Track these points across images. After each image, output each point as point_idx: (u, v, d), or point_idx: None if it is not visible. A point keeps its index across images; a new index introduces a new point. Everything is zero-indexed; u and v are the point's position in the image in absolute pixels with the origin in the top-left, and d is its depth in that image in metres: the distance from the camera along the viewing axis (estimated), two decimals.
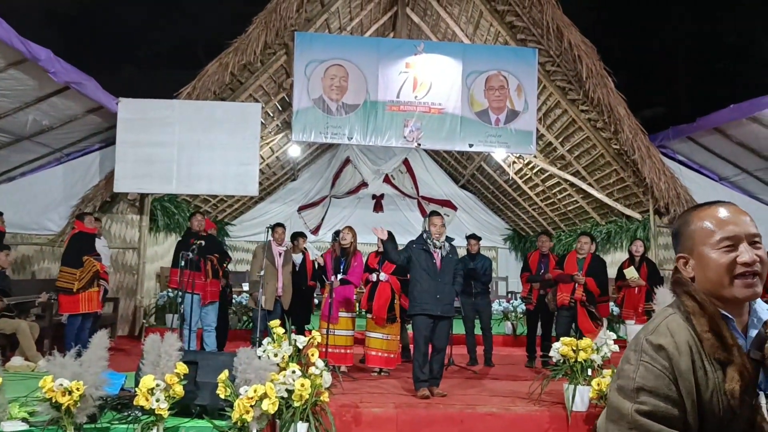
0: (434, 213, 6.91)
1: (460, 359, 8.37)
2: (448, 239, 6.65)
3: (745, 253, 1.54)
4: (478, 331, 8.72)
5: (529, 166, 13.80)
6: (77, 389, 4.33)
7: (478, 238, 9.08)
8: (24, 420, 4.60)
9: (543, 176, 13.81)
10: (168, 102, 9.86)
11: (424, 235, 6.63)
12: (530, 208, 15.72)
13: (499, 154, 13.07)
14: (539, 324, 8.87)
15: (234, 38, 10.21)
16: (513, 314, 11.49)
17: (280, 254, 7.99)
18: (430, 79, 10.37)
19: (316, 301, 11.83)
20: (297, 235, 9.01)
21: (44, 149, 9.80)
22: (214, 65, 10.07)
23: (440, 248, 6.52)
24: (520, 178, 14.55)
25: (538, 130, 11.23)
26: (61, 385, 4.32)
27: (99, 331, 4.98)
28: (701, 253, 1.59)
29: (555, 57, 10.91)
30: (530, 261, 8.91)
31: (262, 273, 7.54)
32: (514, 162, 14.00)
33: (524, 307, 9.65)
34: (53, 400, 4.35)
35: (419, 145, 10.62)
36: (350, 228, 7.78)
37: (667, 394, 1.48)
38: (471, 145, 10.60)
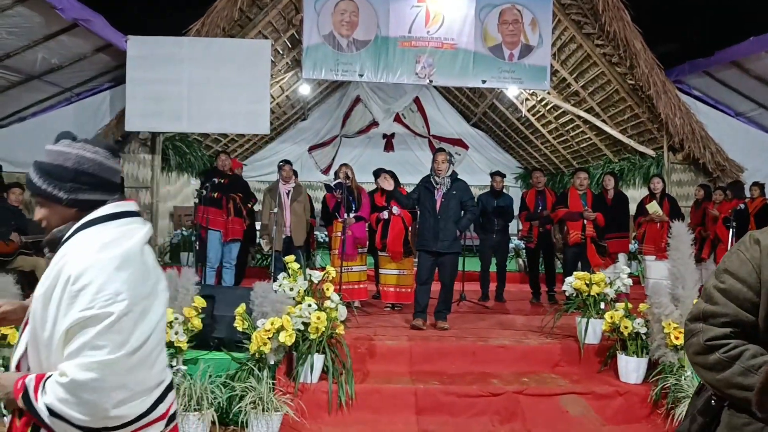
0: (438, 150, 6.94)
1: (472, 295, 8.45)
2: (453, 175, 6.63)
3: None
4: (492, 268, 8.77)
5: (542, 103, 13.62)
6: None
7: (503, 175, 9.03)
8: None
9: (556, 113, 13.65)
10: (177, 39, 9.72)
11: (430, 173, 6.67)
12: (542, 146, 15.59)
13: (512, 91, 12.88)
14: (541, 261, 8.91)
15: None
16: (524, 251, 11.55)
17: (288, 192, 7.95)
18: (442, 13, 10.13)
19: (321, 238, 11.90)
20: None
21: (54, 89, 9.76)
22: (222, 1, 9.89)
23: (441, 185, 6.53)
24: (533, 115, 14.39)
25: (552, 65, 11.02)
26: None
27: None
28: None
29: None
30: (527, 199, 8.89)
31: (275, 210, 7.57)
32: (527, 99, 13.81)
33: (524, 246, 9.69)
34: None
35: (431, 81, 10.47)
36: (346, 165, 7.81)
37: (746, 278, 1.66)
38: (484, 82, 10.43)
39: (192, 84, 9.54)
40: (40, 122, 9.98)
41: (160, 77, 9.42)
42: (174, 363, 4.62)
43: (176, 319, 4.60)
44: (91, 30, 8.40)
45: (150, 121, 9.70)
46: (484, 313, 7.64)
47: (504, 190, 9.17)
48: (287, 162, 8.19)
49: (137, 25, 9.69)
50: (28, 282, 7.47)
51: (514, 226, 15.62)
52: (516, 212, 9.31)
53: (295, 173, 8.65)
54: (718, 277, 1.72)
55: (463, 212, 6.58)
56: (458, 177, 6.70)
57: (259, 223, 11.75)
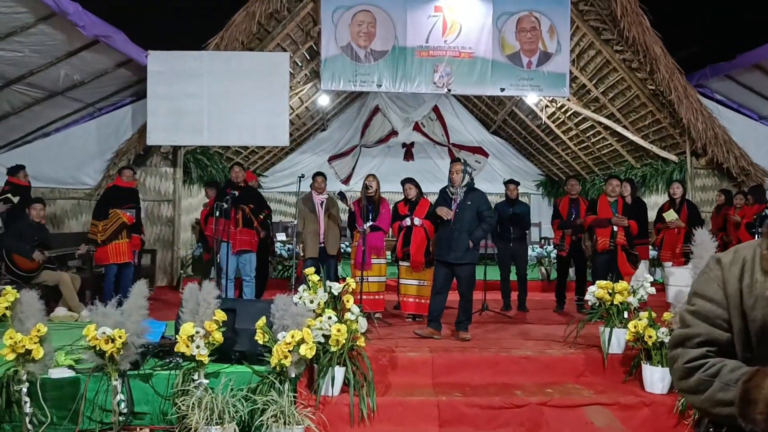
0: (454, 160, 6.93)
1: (495, 305, 8.39)
2: (469, 185, 6.61)
3: None
4: (513, 277, 8.69)
5: (562, 110, 13.54)
6: (120, 337, 4.44)
7: (517, 183, 8.97)
8: (70, 367, 4.74)
9: (576, 120, 13.56)
10: (197, 53, 9.83)
11: (448, 182, 6.70)
12: (563, 153, 15.49)
13: (532, 98, 12.82)
14: (571, 269, 8.80)
15: None
16: (546, 260, 11.46)
17: (321, 203, 7.97)
18: (459, 22, 10.14)
19: (342, 249, 11.87)
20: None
21: (77, 104, 9.90)
22: (241, 14, 9.97)
23: (456, 195, 6.53)
24: (553, 122, 14.30)
25: (571, 72, 10.95)
26: (104, 333, 4.42)
27: (138, 281, 5.07)
28: None
29: None
30: (560, 207, 8.79)
31: (296, 222, 7.59)
32: (546, 106, 13.74)
33: (556, 253, 9.58)
34: (97, 348, 4.46)
35: (449, 90, 10.47)
36: (373, 176, 7.82)
37: (713, 297, 1.71)
38: (502, 90, 10.41)
39: (212, 97, 9.64)
40: (63, 138, 10.14)
41: (180, 91, 9.54)
42: (196, 376, 4.63)
43: (197, 332, 4.61)
44: (112, 46, 8.54)
45: (171, 134, 9.81)
46: (507, 323, 7.57)
47: (522, 198, 9.09)
48: (320, 173, 8.23)
49: (157, 41, 9.80)
50: (52, 296, 7.57)
51: (536, 234, 15.64)
52: (551, 220, 9.24)
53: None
54: (688, 301, 1.79)
55: (481, 220, 6.55)
56: (475, 187, 6.67)
57: (281, 234, 11.86)
